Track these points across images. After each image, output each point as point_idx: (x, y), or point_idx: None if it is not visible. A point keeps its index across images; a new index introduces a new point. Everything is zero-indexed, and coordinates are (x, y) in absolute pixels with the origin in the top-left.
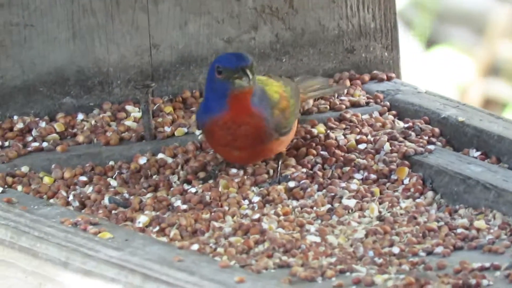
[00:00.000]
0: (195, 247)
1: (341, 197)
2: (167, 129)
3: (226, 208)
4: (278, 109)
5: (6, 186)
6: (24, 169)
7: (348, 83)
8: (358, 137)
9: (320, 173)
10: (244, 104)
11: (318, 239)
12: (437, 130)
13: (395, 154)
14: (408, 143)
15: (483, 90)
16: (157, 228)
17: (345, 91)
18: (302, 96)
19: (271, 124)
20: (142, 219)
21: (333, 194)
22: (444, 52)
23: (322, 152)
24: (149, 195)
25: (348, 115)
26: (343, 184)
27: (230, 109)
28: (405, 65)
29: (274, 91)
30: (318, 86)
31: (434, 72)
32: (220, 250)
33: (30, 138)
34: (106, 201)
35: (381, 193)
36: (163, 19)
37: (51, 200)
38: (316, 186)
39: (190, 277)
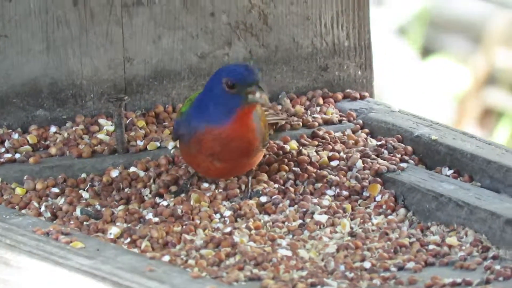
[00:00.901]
0: (166, 258)
1: (312, 213)
2: (140, 143)
3: (198, 221)
4: (262, 121)
5: None
6: None
7: (321, 100)
8: (330, 154)
9: (292, 189)
10: (248, 119)
11: (289, 253)
12: (410, 148)
13: (367, 171)
14: (380, 161)
15: (480, 99)
16: (129, 239)
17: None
18: None
19: (261, 137)
20: (113, 231)
21: (305, 209)
22: (440, 62)
23: (294, 168)
24: (120, 207)
25: (320, 132)
26: (315, 200)
27: (235, 123)
28: (401, 74)
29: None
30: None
31: (430, 82)
32: (191, 262)
33: (2, 150)
34: (78, 212)
35: (353, 209)
36: (137, 33)
37: (23, 211)
38: (288, 202)
39: (162, 286)
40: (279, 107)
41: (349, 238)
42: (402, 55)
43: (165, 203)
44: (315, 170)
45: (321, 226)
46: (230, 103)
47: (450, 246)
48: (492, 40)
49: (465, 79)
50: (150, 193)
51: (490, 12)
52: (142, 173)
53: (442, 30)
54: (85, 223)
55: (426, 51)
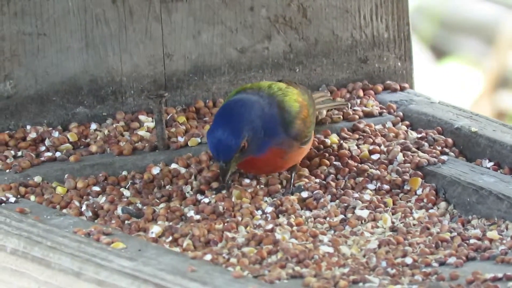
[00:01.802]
0: (208, 257)
1: (354, 208)
2: (180, 139)
3: (239, 218)
4: (300, 119)
5: (19, 196)
6: (37, 179)
7: (361, 93)
8: (371, 147)
9: (333, 184)
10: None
11: (331, 250)
12: (450, 140)
13: (408, 165)
14: (421, 154)
15: (493, 101)
16: (170, 238)
17: (358, 101)
18: None
19: (290, 138)
20: (155, 229)
21: (346, 204)
22: (454, 64)
23: (335, 163)
24: (162, 205)
25: (361, 126)
26: (356, 195)
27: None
28: (416, 77)
29: (294, 100)
30: (323, 99)
31: (444, 84)
32: (233, 260)
33: (43, 148)
34: (119, 211)
35: (394, 203)
36: (177, 29)
37: (64, 210)
38: (329, 197)
39: (203, 287)
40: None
41: (390, 233)
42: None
43: (206, 200)
44: (356, 164)
45: (363, 221)
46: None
47: (491, 240)
48: (505, 43)
49: (477, 81)
50: (191, 190)
51: (503, 14)
52: (183, 170)
53: (455, 32)
54: (126, 222)
55: (439, 53)
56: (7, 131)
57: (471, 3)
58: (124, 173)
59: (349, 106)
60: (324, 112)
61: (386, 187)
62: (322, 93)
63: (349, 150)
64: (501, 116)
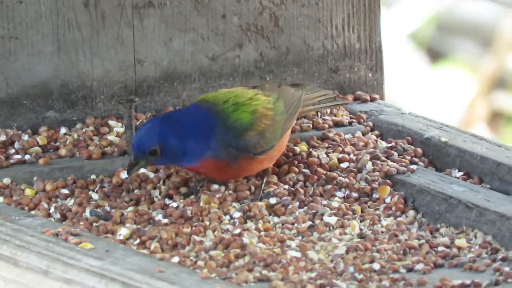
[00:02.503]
0: (176, 259)
1: (322, 214)
2: None
3: (207, 222)
4: (253, 130)
5: None
6: (6, 181)
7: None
8: (340, 155)
9: (302, 191)
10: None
11: (298, 254)
12: (420, 150)
13: (377, 173)
14: (390, 163)
15: (489, 102)
16: (138, 240)
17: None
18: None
19: (231, 152)
20: (123, 232)
21: (314, 211)
22: (450, 66)
23: (304, 170)
24: (130, 208)
25: (331, 134)
26: (325, 202)
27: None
28: (411, 80)
29: (249, 112)
30: (319, 100)
31: (440, 85)
32: (200, 263)
33: (12, 151)
34: (87, 213)
35: (362, 211)
36: (148, 35)
37: (33, 212)
38: (297, 203)
39: (171, 287)
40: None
41: (358, 239)
42: (411, 59)
43: (174, 204)
44: (325, 172)
45: (331, 228)
46: None
47: (459, 248)
48: (502, 44)
49: (474, 82)
50: (159, 194)
51: (500, 15)
52: (152, 175)
53: (452, 33)
54: (94, 224)
55: (436, 55)
56: None
57: (468, 3)
58: (93, 176)
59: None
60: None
61: (354, 195)
62: (324, 91)
63: (318, 158)
64: (497, 117)
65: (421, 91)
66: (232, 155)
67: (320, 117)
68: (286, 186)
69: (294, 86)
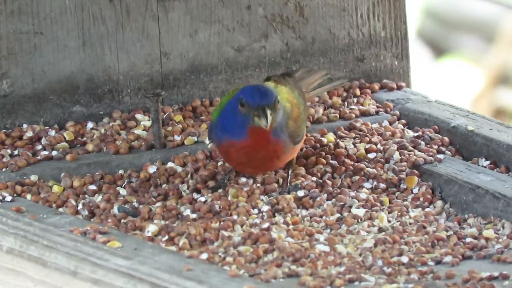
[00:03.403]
0: (204, 256)
1: (350, 206)
2: (177, 138)
3: (236, 217)
4: (292, 119)
5: (15, 195)
6: (33, 177)
7: (358, 91)
8: (367, 146)
9: (329, 182)
10: (263, 136)
11: (327, 248)
12: (446, 139)
13: (404, 163)
14: (417, 152)
15: (493, 98)
16: (166, 237)
17: (355, 100)
18: (306, 96)
19: (288, 139)
20: (151, 228)
21: (342, 203)
22: (454, 62)
23: (331, 161)
24: (158, 204)
25: (358, 124)
26: (353, 193)
27: (250, 139)
28: (415, 75)
29: (286, 100)
30: (318, 82)
31: (444, 81)
32: (229, 259)
33: (39, 147)
34: (115, 210)
35: (390, 202)
36: (173, 28)
37: (60, 209)
38: (325, 195)
39: (200, 286)
40: (316, 98)
41: (387, 231)
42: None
43: (203, 198)
44: (352, 163)
45: (359, 220)
46: (241, 121)
47: (487, 239)
48: (505, 40)
49: (477, 79)
50: (187, 188)
51: (503, 12)
52: (179, 169)
53: (455, 30)
54: (122, 221)
55: (440, 51)
56: (4, 130)
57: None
58: (121, 171)
59: (343, 100)
60: (321, 110)
61: (382, 185)
62: (318, 73)
63: (345, 148)
64: (501, 113)
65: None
66: (285, 142)
67: (347, 106)
68: (314, 178)
69: (286, 75)
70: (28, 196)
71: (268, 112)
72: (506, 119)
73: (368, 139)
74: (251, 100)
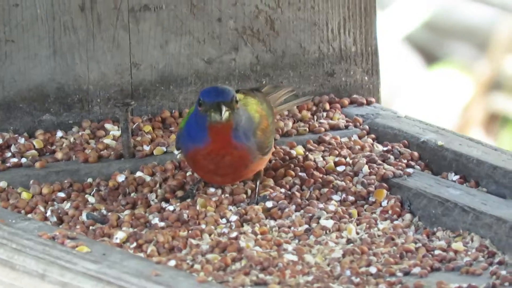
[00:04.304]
0: (173, 263)
1: (319, 218)
2: (146, 148)
3: (204, 226)
4: (260, 129)
5: None
6: (3, 184)
7: (327, 106)
8: (336, 159)
9: (298, 194)
10: (224, 137)
11: (295, 258)
12: (416, 153)
13: (373, 177)
14: (386, 166)
15: (485, 105)
16: (135, 244)
17: (324, 114)
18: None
19: (254, 148)
20: (119, 235)
21: (311, 214)
22: (446, 69)
23: (300, 174)
24: (127, 212)
25: (327, 138)
26: (321, 205)
27: (212, 141)
28: (407, 83)
29: (255, 111)
30: (284, 98)
31: (436, 88)
32: (197, 266)
33: (9, 154)
34: (84, 217)
35: (359, 214)
36: (144, 38)
37: (29, 215)
38: (294, 207)
39: None
40: (286, 112)
41: (355, 243)
42: (406, 62)
43: (171, 208)
44: (321, 175)
45: (327, 231)
46: (200, 121)
47: (456, 252)
48: (498, 46)
49: (470, 85)
50: (156, 198)
51: (496, 18)
52: (148, 178)
53: (447, 36)
54: (91, 227)
55: (431, 57)
56: None
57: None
58: (90, 180)
59: (313, 115)
60: (290, 124)
61: (351, 198)
62: (285, 89)
63: (314, 161)
64: (494, 119)
65: (416, 94)
66: (252, 151)
67: (317, 120)
68: (283, 190)
69: (254, 90)
70: None
71: (224, 108)
72: (498, 125)
73: (337, 152)
74: (207, 98)
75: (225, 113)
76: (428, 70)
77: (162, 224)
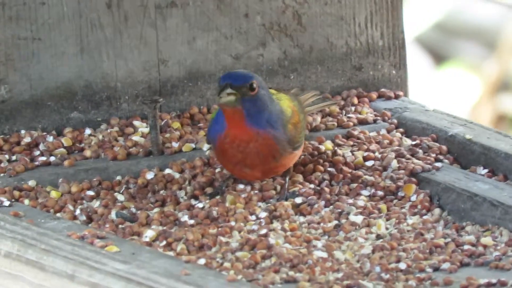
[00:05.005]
0: (202, 261)
1: (348, 213)
2: (175, 145)
3: (233, 223)
4: (292, 123)
5: (13, 200)
6: (31, 183)
7: (356, 100)
8: (365, 154)
9: (327, 190)
10: (237, 122)
11: (325, 255)
12: (444, 147)
13: (402, 171)
14: (415, 160)
15: (493, 105)
16: (164, 242)
17: (352, 108)
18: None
19: (285, 139)
20: (149, 234)
21: (340, 210)
22: (454, 69)
23: (329, 169)
24: (156, 210)
25: (355, 132)
26: (350, 201)
27: (228, 126)
28: (415, 82)
29: (287, 105)
30: (312, 100)
31: (445, 88)
32: (227, 264)
33: (37, 153)
34: (113, 215)
35: (388, 209)
36: (172, 35)
37: (58, 214)
38: (323, 202)
39: None
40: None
41: (385, 238)
42: (415, 61)
43: (200, 205)
44: (350, 171)
45: (357, 227)
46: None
47: (485, 246)
48: (506, 47)
49: (478, 85)
50: (185, 195)
51: (504, 18)
52: (177, 175)
53: (456, 36)
54: (120, 226)
55: (440, 57)
56: (2, 136)
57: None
58: (118, 178)
59: (341, 109)
60: (319, 118)
61: (380, 193)
62: (311, 92)
63: (343, 156)
64: (502, 119)
65: (425, 94)
66: (281, 142)
67: (345, 115)
68: (312, 185)
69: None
70: (26, 201)
71: (228, 90)
72: (506, 125)
73: (366, 147)
74: (220, 81)
75: (226, 96)
76: (437, 70)
77: (191, 221)
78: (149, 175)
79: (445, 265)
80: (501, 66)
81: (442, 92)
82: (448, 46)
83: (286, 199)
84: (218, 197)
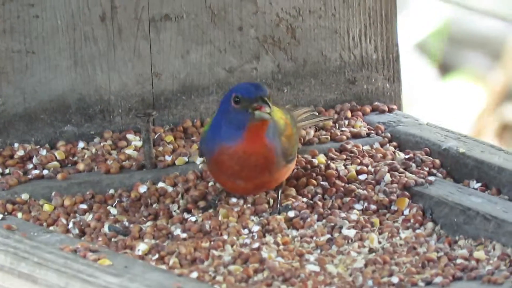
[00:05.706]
0: (195, 275)
1: (341, 227)
2: (168, 158)
3: (226, 237)
4: (285, 136)
5: (6, 213)
6: (24, 196)
7: (349, 114)
8: (358, 167)
9: (320, 203)
10: (260, 135)
11: (317, 268)
12: (437, 161)
13: (395, 185)
14: (408, 174)
15: (499, 114)
16: (157, 256)
17: (346, 122)
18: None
19: (280, 153)
20: (141, 247)
21: (333, 224)
22: (459, 79)
23: (322, 183)
24: (149, 223)
25: (349, 146)
26: (343, 215)
27: (246, 140)
28: (420, 92)
29: (280, 118)
30: (305, 116)
31: (450, 98)
32: (219, 278)
33: (30, 166)
34: (106, 229)
35: (381, 223)
36: (165, 48)
37: (51, 228)
38: (316, 216)
39: None
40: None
41: (377, 252)
42: (420, 71)
43: (193, 218)
44: (343, 184)
45: (349, 241)
46: (238, 120)
47: (477, 260)
48: (511, 57)
49: (483, 95)
50: (178, 208)
51: (509, 28)
52: (170, 189)
53: (462, 46)
54: (113, 239)
55: (445, 67)
56: None
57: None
58: (111, 191)
59: (334, 123)
60: (312, 132)
61: (373, 207)
62: (305, 108)
63: (336, 170)
64: (506, 129)
65: (430, 104)
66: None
67: (338, 128)
68: (305, 199)
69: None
70: (19, 215)
71: (267, 101)
72: (511, 134)
73: (359, 161)
74: (247, 94)
75: (268, 108)
76: (443, 80)
77: (184, 235)
78: (142, 189)
79: (438, 279)
80: (506, 76)
81: (447, 102)
82: (454, 56)
83: (279, 213)
84: (211, 210)
